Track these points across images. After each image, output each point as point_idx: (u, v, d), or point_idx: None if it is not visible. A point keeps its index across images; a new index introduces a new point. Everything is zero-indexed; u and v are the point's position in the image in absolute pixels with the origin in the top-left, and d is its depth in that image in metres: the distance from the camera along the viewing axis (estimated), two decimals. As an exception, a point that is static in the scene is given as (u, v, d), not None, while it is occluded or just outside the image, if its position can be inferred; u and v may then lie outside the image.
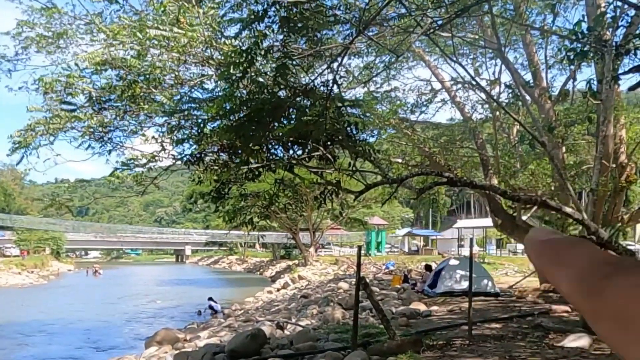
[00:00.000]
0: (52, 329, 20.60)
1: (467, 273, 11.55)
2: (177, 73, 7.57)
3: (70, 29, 8.25)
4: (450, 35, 8.84)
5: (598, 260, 0.35)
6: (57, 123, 8.01)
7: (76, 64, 7.62)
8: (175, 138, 7.63)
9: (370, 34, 6.06)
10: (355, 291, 9.10)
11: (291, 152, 8.15)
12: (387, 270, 31.56)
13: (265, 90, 6.24)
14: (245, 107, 6.33)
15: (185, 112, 6.86)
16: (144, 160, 8.55)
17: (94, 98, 7.76)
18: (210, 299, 24.64)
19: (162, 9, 6.40)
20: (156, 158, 8.24)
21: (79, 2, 7.91)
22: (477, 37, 12.07)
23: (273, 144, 7.52)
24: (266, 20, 5.34)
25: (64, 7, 8.30)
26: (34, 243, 58.90)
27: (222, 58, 6.67)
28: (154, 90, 7.18)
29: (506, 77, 25.78)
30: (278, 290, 31.85)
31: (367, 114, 9.72)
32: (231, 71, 5.60)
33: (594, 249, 0.37)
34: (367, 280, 9.79)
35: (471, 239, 11.28)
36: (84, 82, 7.69)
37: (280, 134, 6.60)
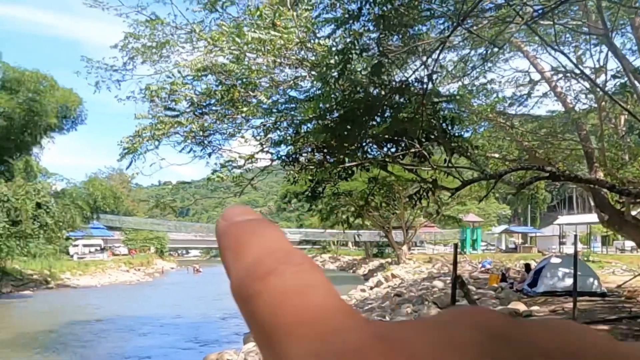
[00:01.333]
0: (157, 323, 21.83)
1: (570, 271, 10.93)
2: (272, 75, 7.74)
3: (172, 38, 8.68)
4: (551, 23, 8.38)
5: (268, 253, 0.29)
6: (162, 129, 8.46)
7: (179, 72, 8.01)
8: (272, 139, 7.82)
9: (466, 26, 5.87)
10: (451, 290, 8.87)
11: (385, 149, 8.10)
12: (483, 269, 30.56)
13: (360, 90, 6.22)
14: (340, 107, 6.35)
15: (282, 113, 7.00)
16: (242, 162, 8.84)
17: (195, 103, 8.11)
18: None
19: (259, 14, 6.57)
20: (253, 159, 8.48)
21: (180, 12, 8.28)
22: (580, 23, 11.36)
23: (367, 142, 7.50)
24: (361, 19, 5.32)
25: (166, 18, 8.75)
26: (140, 242, 62.69)
27: (316, 59, 6.74)
28: (250, 93, 7.39)
29: (613, 64, 24.11)
30: (371, 288, 31.71)
31: (462, 109, 9.46)
32: (327, 72, 5.63)
33: (276, 236, 0.31)
34: (463, 279, 9.53)
35: (575, 236, 10.68)
36: (186, 88, 8.06)
37: (375, 132, 6.56)
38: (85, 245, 51.67)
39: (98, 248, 54.25)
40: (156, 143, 8.97)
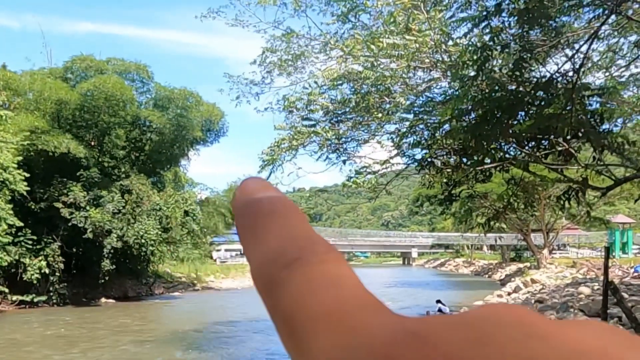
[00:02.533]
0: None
1: None
2: (406, 80, 7.74)
3: (306, 49, 9.02)
4: None
5: (293, 239, 0.28)
6: (299, 138, 8.80)
7: (315, 82, 8.29)
8: (408, 142, 7.81)
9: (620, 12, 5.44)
10: (603, 296, 8.21)
11: (527, 149, 7.73)
12: (635, 274, 28.02)
13: (499, 88, 6.01)
14: (479, 107, 6.18)
15: (418, 117, 6.97)
16: (377, 167, 8.93)
17: (331, 112, 8.34)
18: (438, 301, 24.55)
19: (392, 19, 6.62)
20: (388, 164, 8.53)
21: (314, 23, 8.61)
22: None
23: (508, 142, 7.21)
24: (501, 14, 5.15)
25: (300, 30, 9.12)
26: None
27: (451, 60, 6.63)
28: (385, 98, 7.44)
29: None
30: (509, 294, 30.45)
31: (612, 102, 8.75)
32: (464, 70, 5.52)
33: (299, 220, 0.29)
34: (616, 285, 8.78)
35: None
36: (322, 98, 8.31)
37: (519, 130, 6.29)
38: (227, 250, 54.99)
39: (238, 252, 57.46)
40: (293, 153, 9.35)
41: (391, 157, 8.49)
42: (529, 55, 5.41)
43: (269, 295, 0.27)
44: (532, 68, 6.06)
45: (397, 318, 0.25)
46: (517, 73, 5.54)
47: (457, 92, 6.32)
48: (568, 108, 5.48)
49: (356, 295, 0.26)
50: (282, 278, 0.26)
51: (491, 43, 5.18)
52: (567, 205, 8.30)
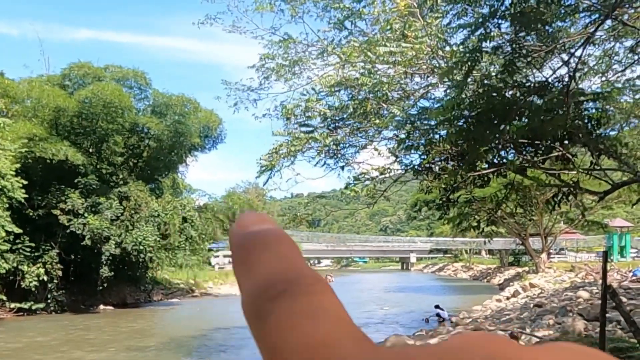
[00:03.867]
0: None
1: None
2: (403, 86, 7.78)
3: (303, 55, 9.07)
4: None
5: (282, 271, 0.28)
6: (297, 145, 8.83)
7: (313, 88, 8.33)
8: (404, 148, 7.83)
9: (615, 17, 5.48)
10: (601, 300, 8.21)
11: (524, 153, 7.76)
12: (634, 278, 28.04)
13: (493, 91, 6.05)
14: (472, 108, 6.22)
15: (415, 124, 7.00)
16: (375, 174, 8.95)
17: (329, 118, 8.37)
18: (437, 306, 24.54)
19: (388, 26, 6.66)
20: (387, 170, 8.55)
21: (311, 30, 8.66)
22: None
23: (504, 146, 7.25)
24: (495, 18, 5.18)
25: (298, 37, 9.16)
26: (274, 252, 65.14)
27: (448, 66, 6.67)
28: (383, 105, 7.48)
29: None
30: (507, 298, 30.50)
31: (608, 107, 8.79)
32: (454, 72, 5.55)
33: (291, 252, 0.30)
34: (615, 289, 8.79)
35: None
36: (320, 104, 8.35)
37: (513, 133, 6.32)
38: (225, 256, 54.93)
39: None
40: (292, 159, 9.37)
41: (389, 164, 8.52)
42: (521, 58, 5.45)
43: (255, 326, 0.27)
44: (524, 71, 6.11)
45: (375, 349, 0.25)
46: (508, 76, 5.58)
47: (452, 99, 6.36)
48: (562, 112, 5.52)
49: (337, 327, 0.26)
50: (268, 310, 0.26)
51: (482, 45, 5.21)
52: (558, 207, 8.33)
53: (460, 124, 6.95)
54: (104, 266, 28.51)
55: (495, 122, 6.48)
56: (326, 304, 0.27)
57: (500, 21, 5.39)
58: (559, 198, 8.14)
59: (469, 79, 5.88)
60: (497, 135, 6.64)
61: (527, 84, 6.15)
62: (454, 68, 6.09)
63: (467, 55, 5.53)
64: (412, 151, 7.74)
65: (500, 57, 6.02)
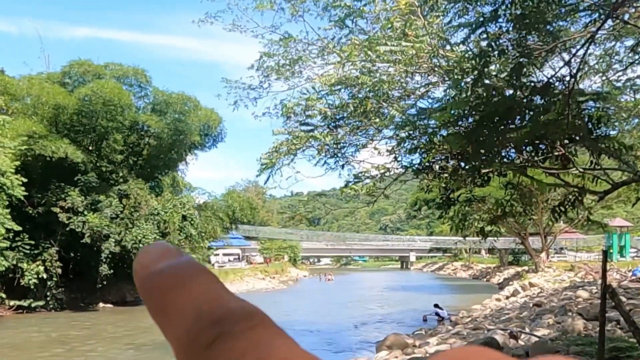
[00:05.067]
0: (293, 329, 22.58)
1: None
2: (403, 85, 7.77)
3: (304, 54, 9.05)
4: None
5: (207, 312, 0.25)
6: (297, 143, 8.81)
7: (313, 87, 8.31)
8: (405, 148, 7.83)
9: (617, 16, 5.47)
10: (601, 300, 8.20)
11: (524, 154, 7.75)
12: (633, 278, 28.08)
13: (496, 93, 6.03)
14: (475, 112, 6.21)
15: (415, 123, 6.99)
16: (375, 172, 8.94)
17: (329, 117, 8.36)
18: (436, 305, 24.55)
19: (389, 25, 6.65)
20: (387, 169, 8.54)
21: (311, 28, 8.65)
22: None
23: (505, 147, 7.24)
24: (498, 20, 5.17)
25: (298, 35, 9.15)
26: (274, 251, 65.54)
27: (449, 65, 6.66)
28: (383, 104, 7.47)
29: None
30: (507, 297, 30.56)
31: (609, 106, 8.78)
32: (462, 78, 5.54)
33: (211, 286, 0.26)
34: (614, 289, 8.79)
35: None
36: (320, 103, 8.33)
37: (515, 137, 6.31)
38: (225, 254, 54.98)
39: (237, 257, 57.45)
40: (292, 157, 9.35)
41: (389, 163, 8.51)
42: (526, 60, 5.44)
43: None
44: (530, 73, 6.09)
45: None
46: (515, 79, 5.56)
47: (453, 98, 6.35)
48: (565, 112, 5.51)
49: (289, 357, 0.24)
50: (208, 358, 0.24)
51: (489, 49, 5.20)
52: (564, 215, 8.29)
53: (461, 125, 6.93)
54: (103, 264, 28.52)
55: (498, 124, 6.46)
56: (268, 337, 0.24)
57: (501, 22, 5.38)
58: (565, 206, 8.08)
59: (469, 79, 5.87)
60: (500, 138, 6.62)
61: (530, 85, 6.13)
62: (463, 72, 6.08)
63: (477, 59, 5.50)
64: (414, 150, 7.72)
65: (507, 59, 6.00)
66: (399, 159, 8.34)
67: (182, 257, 0.28)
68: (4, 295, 26.30)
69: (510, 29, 5.40)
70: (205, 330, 0.24)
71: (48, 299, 27.74)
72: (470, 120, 6.77)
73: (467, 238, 12.52)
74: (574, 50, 6.65)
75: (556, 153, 7.31)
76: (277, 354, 0.24)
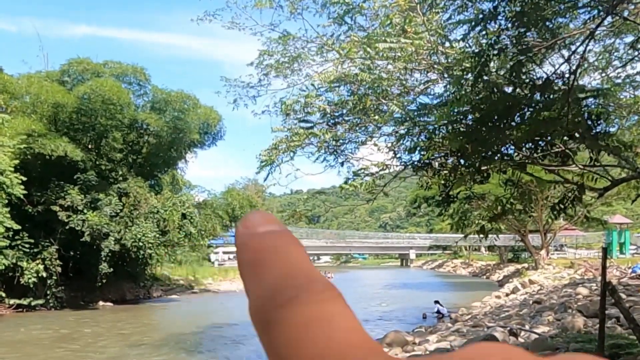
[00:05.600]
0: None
1: None
2: (403, 82, 7.75)
3: (303, 52, 9.04)
4: None
5: (291, 277, 0.27)
6: (297, 140, 8.80)
7: (312, 84, 8.30)
8: (404, 146, 7.82)
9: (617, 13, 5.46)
10: (600, 297, 8.20)
11: (523, 150, 7.74)
12: (633, 275, 28.09)
13: (496, 90, 6.02)
14: (476, 110, 6.20)
15: (414, 120, 6.98)
16: (374, 169, 8.93)
17: (328, 114, 8.35)
18: (436, 302, 24.56)
19: (388, 22, 6.63)
20: (386, 166, 8.53)
21: (310, 26, 8.64)
22: None
23: (506, 144, 7.23)
24: (497, 18, 5.16)
25: (297, 33, 9.14)
26: (273, 249, 65.23)
27: (448, 62, 6.65)
28: (383, 100, 7.45)
29: None
30: (507, 295, 30.59)
31: (608, 103, 8.77)
32: (462, 76, 5.53)
33: (300, 257, 0.29)
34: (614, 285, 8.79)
35: None
36: (319, 100, 8.33)
37: (515, 134, 6.30)
38: (224, 252, 54.99)
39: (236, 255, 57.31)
40: (291, 154, 9.34)
41: (388, 160, 8.50)
42: (526, 57, 5.43)
43: (264, 333, 0.26)
44: (530, 70, 6.08)
45: (390, 359, 0.25)
46: (515, 76, 5.55)
47: (452, 95, 6.33)
48: (564, 110, 5.50)
49: (349, 336, 0.25)
50: (277, 317, 0.26)
51: (489, 47, 5.18)
52: (564, 213, 8.29)
53: (462, 123, 6.92)
54: (103, 262, 28.50)
55: (499, 122, 6.45)
56: (337, 312, 0.26)
57: (501, 19, 5.36)
58: (565, 203, 8.07)
59: (469, 76, 5.86)
60: (500, 135, 6.61)
61: (530, 82, 6.12)
62: (461, 71, 6.07)
63: (477, 58, 5.49)
64: (415, 149, 7.70)
65: (507, 57, 5.98)
66: (399, 155, 8.32)
67: (282, 227, 0.31)
68: (3, 294, 26.28)
69: (510, 26, 5.39)
70: (284, 291, 0.26)
71: (48, 297, 27.72)
72: (470, 117, 6.76)
73: (465, 237, 12.50)
74: (573, 47, 6.64)
75: (555, 150, 7.30)
76: (339, 327, 0.25)
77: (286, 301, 0.26)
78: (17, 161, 24.10)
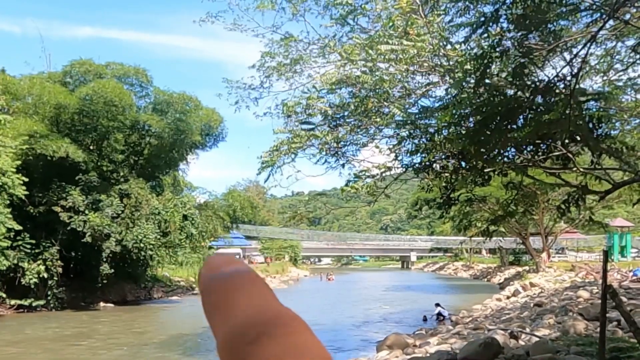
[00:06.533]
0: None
1: None
2: (404, 84, 7.76)
3: (305, 54, 9.05)
4: None
5: (256, 313, 0.28)
6: (298, 142, 8.80)
7: (314, 86, 8.31)
8: (406, 148, 7.83)
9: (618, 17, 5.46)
10: (601, 300, 8.18)
11: (524, 153, 7.75)
12: (634, 278, 28.05)
13: (498, 93, 6.03)
14: (478, 113, 6.21)
15: (416, 123, 6.99)
16: (376, 171, 8.93)
17: (330, 116, 8.36)
18: (437, 305, 24.54)
19: (390, 24, 6.65)
20: (388, 168, 8.54)
21: (312, 28, 8.66)
22: None
23: (507, 147, 7.24)
24: (499, 21, 5.17)
25: (299, 35, 9.16)
26: (275, 251, 65.52)
27: (449, 64, 6.66)
28: (384, 103, 7.47)
29: None
30: (507, 297, 30.55)
31: (609, 106, 8.78)
32: (464, 78, 5.53)
33: (264, 293, 0.30)
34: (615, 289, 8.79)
35: None
36: (321, 102, 8.33)
37: (516, 136, 6.31)
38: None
39: (237, 256, 57.21)
40: (292, 156, 9.34)
41: (389, 162, 8.50)
42: (528, 60, 5.43)
43: None
44: (531, 73, 6.09)
45: None
46: (517, 79, 5.56)
47: (454, 97, 6.34)
48: (566, 113, 5.51)
49: None
50: (247, 354, 0.26)
51: (491, 50, 5.19)
52: (568, 213, 8.30)
53: (464, 126, 6.92)
54: (104, 263, 28.53)
55: (500, 124, 6.45)
56: (306, 343, 0.27)
57: (502, 22, 5.37)
58: (569, 204, 8.08)
59: (470, 78, 5.87)
60: (502, 138, 6.61)
61: (532, 85, 6.13)
62: (463, 73, 6.08)
63: (479, 60, 5.50)
64: (417, 152, 7.71)
65: (509, 59, 5.98)
66: (400, 157, 8.33)
67: (245, 266, 0.32)
68: (4, 295, 26.30)
69: (512, 28, 5.40)
70: (252, 328, 0.27)
71: (49, 298, 27.73)
72: (472, 120, 6.77)
73: (470, 239, 12.51)
74: (575, 50, 6.65)
75: (557, 153, 7.31)
76: (309, 357, 0.26)
77: (255, 337, 0.27)
78: (19, 162, 24.14)
